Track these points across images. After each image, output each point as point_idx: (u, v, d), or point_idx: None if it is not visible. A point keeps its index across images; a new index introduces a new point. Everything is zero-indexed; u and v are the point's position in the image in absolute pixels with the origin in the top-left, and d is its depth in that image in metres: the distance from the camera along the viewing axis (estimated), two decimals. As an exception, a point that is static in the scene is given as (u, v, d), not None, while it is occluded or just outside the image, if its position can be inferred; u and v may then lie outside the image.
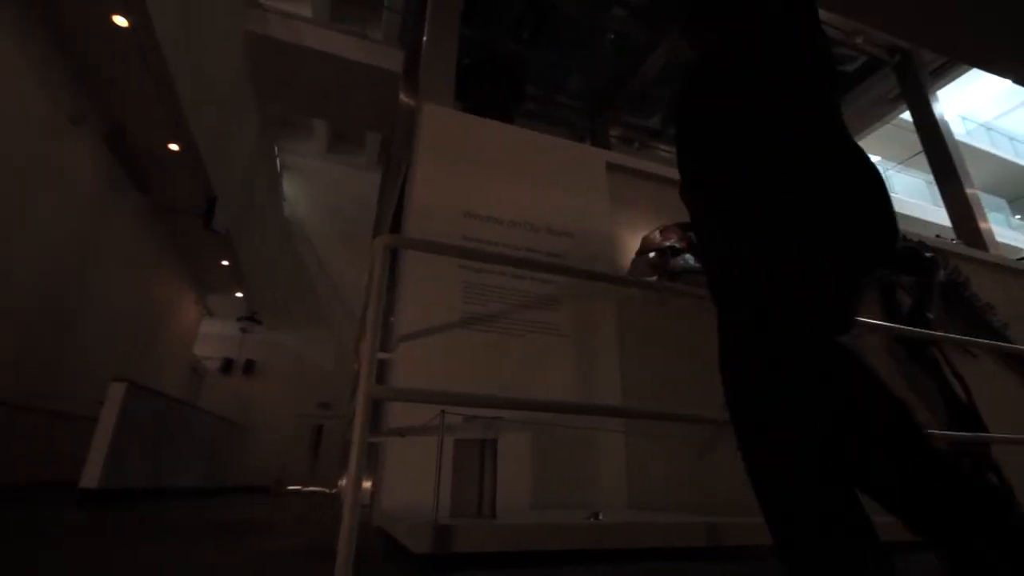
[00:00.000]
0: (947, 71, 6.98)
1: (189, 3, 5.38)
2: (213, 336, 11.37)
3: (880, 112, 7.75)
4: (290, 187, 12.92)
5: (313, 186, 12.99)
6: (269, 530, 2.90)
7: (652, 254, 2.93)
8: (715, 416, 1.69)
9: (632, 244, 3.28)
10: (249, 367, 11.39)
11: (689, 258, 2.83)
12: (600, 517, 1.91)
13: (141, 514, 3.52)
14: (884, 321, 3.37)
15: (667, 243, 2.94)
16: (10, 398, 4.75)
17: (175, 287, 9.34)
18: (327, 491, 8.78)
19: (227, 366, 11.36)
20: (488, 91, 5.47)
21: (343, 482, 5.80)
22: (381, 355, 2.27)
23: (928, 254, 3.59)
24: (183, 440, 5.89)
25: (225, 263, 9.10)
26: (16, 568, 1.64)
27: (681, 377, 2.57)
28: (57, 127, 5.17)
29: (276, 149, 11.69)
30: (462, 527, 1.51)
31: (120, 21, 4.63)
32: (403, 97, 6.70)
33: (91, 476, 3.90)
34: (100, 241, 6.35)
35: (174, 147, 6.19)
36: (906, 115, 7.14)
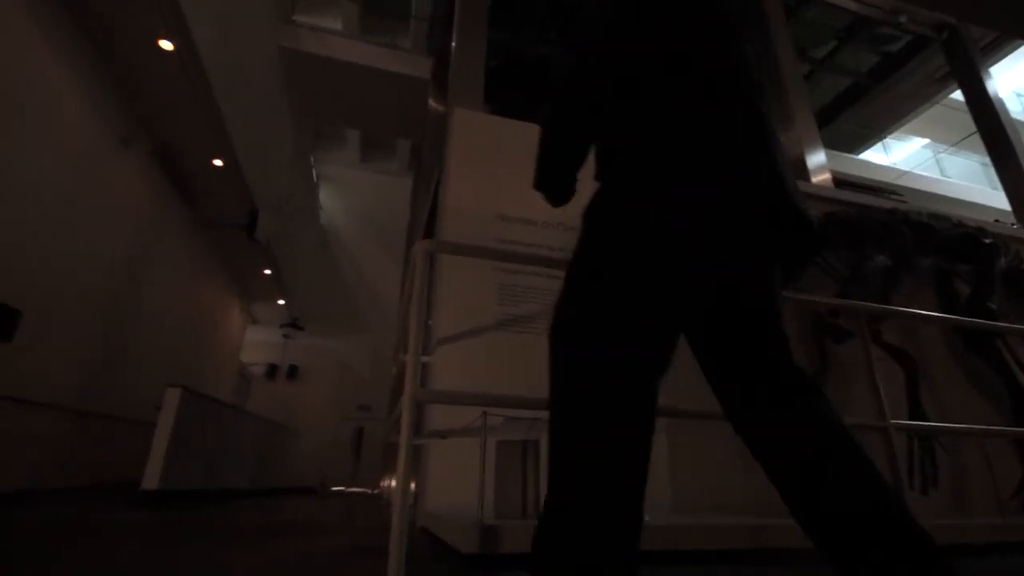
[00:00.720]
0: (999, 46, 6.59)
1: (228, 24, 5.61)
2: (258, 342, 11.81)
3: (927, 93, 7.39)
4: (326, 196, 13.28)
5: (348, 195, 13.31)
6: (320, 530, 2.99)
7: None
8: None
9: (668, 240, 3.22)
10: (292, 372, 11.75)
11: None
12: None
13: (197, 514, 3.68)
14: (940, 312, 3.21)
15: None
16: (73, 403, 5.06)
17: (221, 296, 9.74)
18: (369, 492, 8.97)
19: (271, 371, 11.75)
20: (516, 93, 5.49)
21: (385, 483, 5.92)
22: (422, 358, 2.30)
23: (987, 240, 3.40)
24: (233, 443, 6.12)
25: (267, 272, 9.43)
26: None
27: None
28: (110, 148, 5.47)
29: (312, 160, 12.04)
30: (508, 527, 1.52)
31: (166, 45, 4.87)
32: (432, 103, 6.80)
33: (151, 477, 4.09)
34: (152, 254, 6.68)
35: (218, 162, 6.47)
36: (956, 94, 6.78)
